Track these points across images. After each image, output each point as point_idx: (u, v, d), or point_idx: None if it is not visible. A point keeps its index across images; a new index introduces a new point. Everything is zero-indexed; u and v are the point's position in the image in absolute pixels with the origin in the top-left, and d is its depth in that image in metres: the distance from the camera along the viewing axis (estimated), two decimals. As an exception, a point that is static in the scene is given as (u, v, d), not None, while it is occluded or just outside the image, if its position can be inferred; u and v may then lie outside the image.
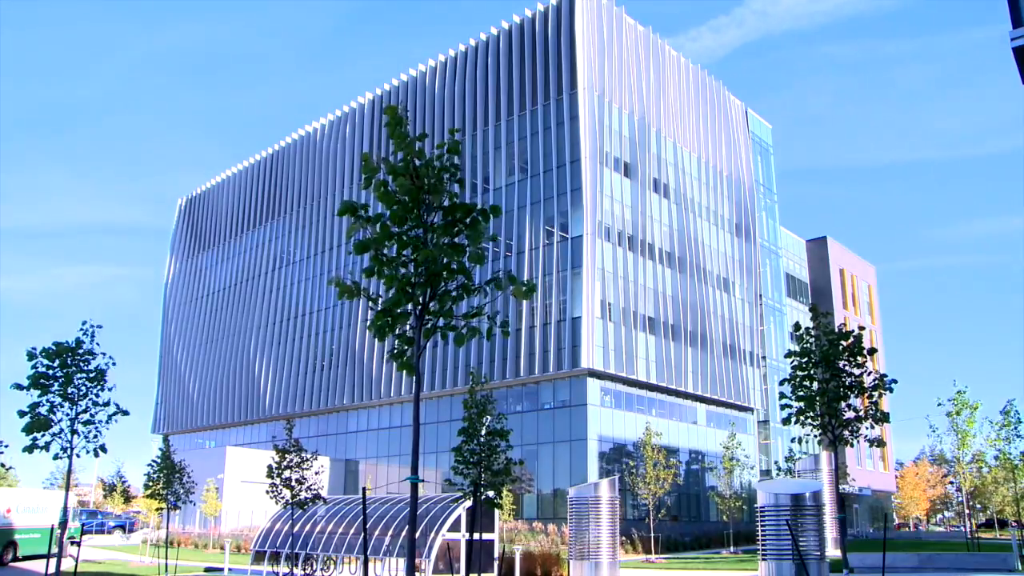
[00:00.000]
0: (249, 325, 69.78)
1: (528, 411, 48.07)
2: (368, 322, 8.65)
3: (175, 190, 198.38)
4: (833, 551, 34.00)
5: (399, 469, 53.88)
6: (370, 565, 24.63)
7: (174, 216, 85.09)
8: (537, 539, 38.00)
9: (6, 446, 16.33)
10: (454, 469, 18.48)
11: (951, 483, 75.90)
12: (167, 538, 33.94)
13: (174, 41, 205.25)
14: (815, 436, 19.36)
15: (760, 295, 62.40)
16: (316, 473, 23.36)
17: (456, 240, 8.52)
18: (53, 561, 17.62)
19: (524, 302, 47.95)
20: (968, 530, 43.31)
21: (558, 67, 49.79)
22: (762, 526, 17.57)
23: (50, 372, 15.84)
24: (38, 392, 15.63)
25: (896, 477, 79.51)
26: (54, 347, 16.00)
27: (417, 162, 8.32)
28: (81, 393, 16.14)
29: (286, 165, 70.14)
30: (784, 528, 16.92)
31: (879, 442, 18.49)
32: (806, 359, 18.54)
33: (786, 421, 19.55)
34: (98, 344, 16.64)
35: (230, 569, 30.09)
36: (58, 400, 15.85)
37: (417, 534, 20.72)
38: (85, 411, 16.16)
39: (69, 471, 16.73)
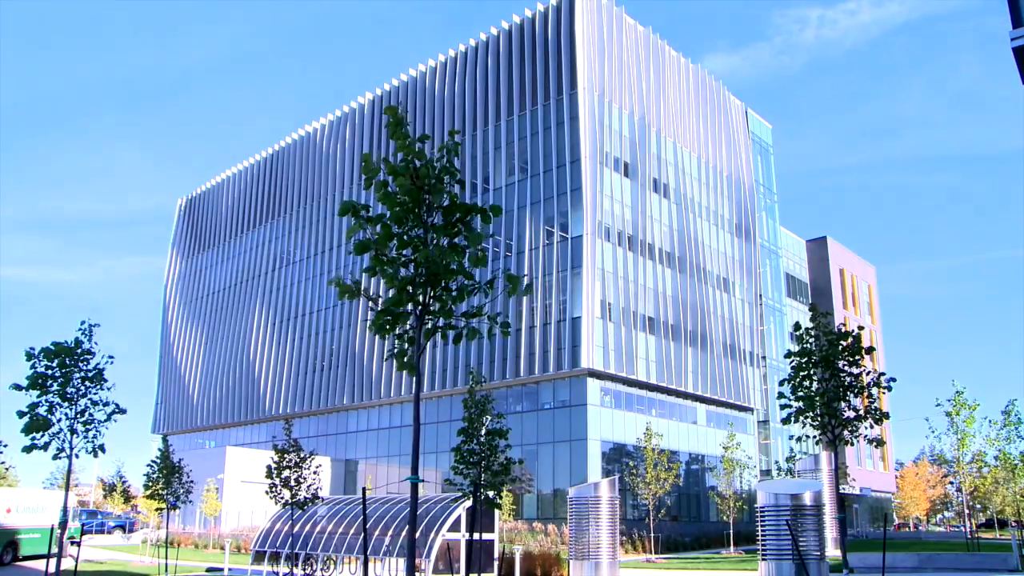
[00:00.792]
0: (249, 325, 69.78)
1: (528, 411, 48.06)
2: (368, 322, 8.66)
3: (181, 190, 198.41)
4: (833, 551, 34.01)
5: (399, 469, 53.87)
6: (370, 565, 24.62)
7: (174, 216, 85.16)
8: (537, 539, 37.99)
9: (5, 446, 16.32)
10: (454, 469, 18.47)
11: (951, 483, 75.87)
12: (167, 538, 33.92)
13: (174, 41, 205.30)
14: (815, 436, 19.33)
15: (760, 295, 62.39)
16: (315, 473, 23.34)
17: (456, 241, 8.51)
18: (53, 561, 17.61)
19: (524, 302, 47.95)
20: (968, 530, 43.30)
21: (558, 67, 49.77)
22: (762, 526, 17.55)
23: (49, 372, 15.81)
24: (37, 392, 15.61)
25: (896, 477, 79.49)
26: (53, 347, 15.97)
27: (417, 163, 8.32)
28: (80, 393, 16.12)
29: (286, 165, 70.15)
30: (784, 528, 16.90)
31: (879, 441, 18.47)
32: (806, 359, 18.52)
33: (786, 421, 19.54)
34: (96, 343, 16.61)
35: (230, 569, 30.07)
36: (57, 400, 15.82)
37: (417, 534, 20.70)
38: (84, 411, 16.14)
39: (69, 471, 16.71)
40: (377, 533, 24.94)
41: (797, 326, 19.68)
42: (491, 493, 18.78)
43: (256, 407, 66.36)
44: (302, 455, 22.99)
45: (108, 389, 16.58)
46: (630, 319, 48.19)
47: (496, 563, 24.62)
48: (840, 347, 18.25)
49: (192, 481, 29.41)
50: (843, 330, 18.77)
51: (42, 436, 15.45)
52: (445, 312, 8.57)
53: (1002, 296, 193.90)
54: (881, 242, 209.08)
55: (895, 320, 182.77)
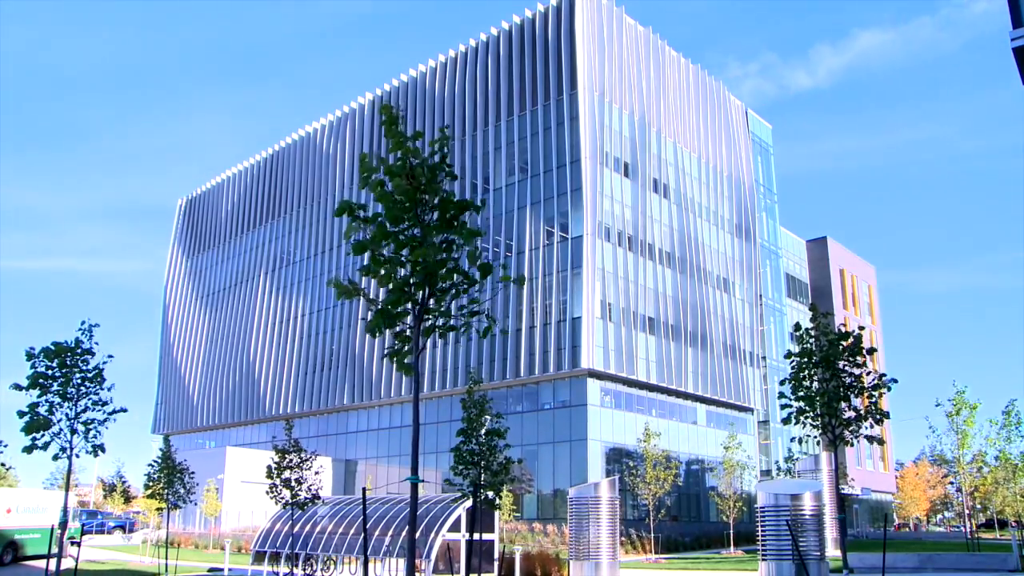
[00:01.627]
0: (249, 325, 69.78)
1: (528, 411, 48.05)
2: (367, 324, 8.67)
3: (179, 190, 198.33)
4: (833, 551, 34.01)
5: (399, 469, 53.87)
6: (370, 565, 24.62)
7: (174, 216, 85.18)
8: (537, 539, 37.99)
9: (5, 446, 16.33)
10: (453, 469, 18.47)
11: (951, 483, 75.85)
12: (167, 538, 33.92)
13: (174, 40, 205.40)
14: (815, 436, 19.33)
15: (760, 295, 62.39)
16: (316, 473, 23.33)
17: (451, 238, 8.53)
18: (53, 561, 17.61)
19: (524, 302, 47.95)
20: (968, 530, 43.29)
21: (558, 67, 49.78)
22: (762, 526, 17.56)
23: (49, 372, 15.82)
24: (37, 392, 15.62)
25: (896, 477, 79.47)
26: (53, 347, 15.99)
27: (413, 161, 8.33)
28: (80, 393, 16.13)
29: (286, 165, 70.16)
30: (784, 528, 16.91)
31: (879, 440, 18.47)
32: (806, 359, 18.53)
33: (786, 421, 19.55)
34: (96, 343, 16.63)
35: (230, 569, 30.07)
36: (57, 400, 15.84)
37: (417, 534, 20.70)
38: (84, 410, 16.15)
39: (69, 471, 16.72)
40: (377, 533, 24.93)
41: (797, 326, 19.68)
42: (491, 493, 18.79)
43: (256, 407, 66.36)
44: (303, 455, 22.98)
45: (108, 389, 16.61)
46: (630, 319, 48.19)
47: (496, 563, 24.62)
48: (840, 347, 18.25)
49: (194, 482, 29.44)
50: (843, 330, 18.77)
51: (42, 436, 15.47)
52: (443, 311, 8.58)
53: (1002, 296, 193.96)
54: (881, 242, 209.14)
55: (895, 320, 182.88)
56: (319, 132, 67.16)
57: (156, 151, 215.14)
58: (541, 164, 49.78)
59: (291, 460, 22.80)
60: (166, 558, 30.18)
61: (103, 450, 16.24)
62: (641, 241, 50.51)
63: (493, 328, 8.66)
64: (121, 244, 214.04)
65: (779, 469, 51.15)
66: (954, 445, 34.69)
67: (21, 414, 15.33)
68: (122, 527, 58.44)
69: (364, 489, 13.70)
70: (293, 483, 22.64)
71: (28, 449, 15.23)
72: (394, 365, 9.21)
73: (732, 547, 42.10)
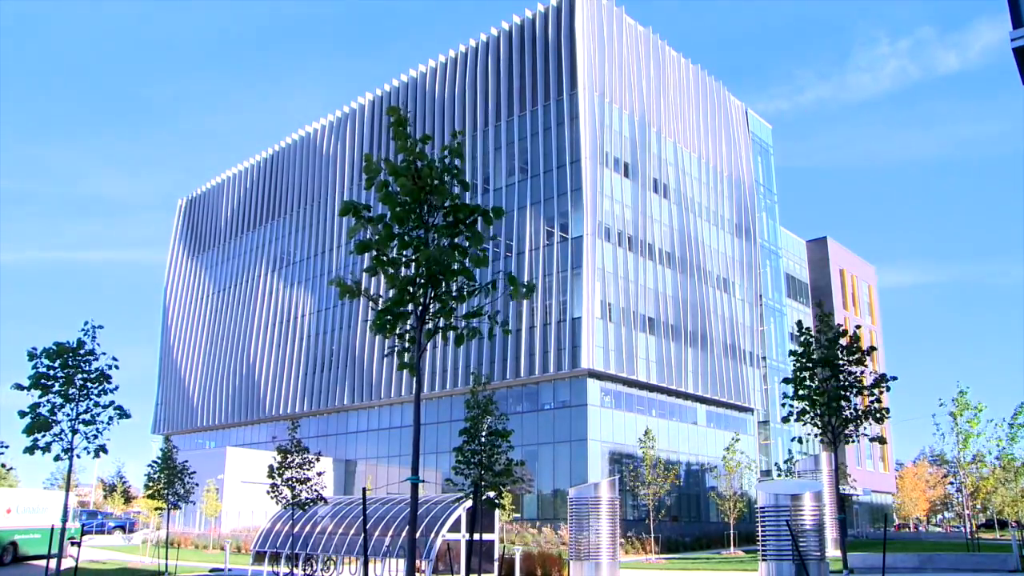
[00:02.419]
0: (249, 326, 69.79)
1: (528, 411, 48.06)
2: (369, 322, 8.70)
3: (180, 189, 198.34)
4: (833, 551, 34.01)
5: (399, 469, 53.88)
6: (370, 565, 24.63)
7: (174, 216, 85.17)
8: (537, 539, 38.00)
9: (6, 446, 16.34)
10: (455, 469, 18.47)
11: (951, 483, 75.86)
12: (167, 538, 33.92)
13: (173, 39, 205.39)
14: (815, 436, 19.37)
15: (760, 295, 62.40)
16: (319, 474, 23.32)
17: (457, 241, 8.53)
18: (53, 561, 17.61)
19: (524, 302, 47.95)
20: (968, 531, 43.30)
21: (558, 67, 49.80)
22: (762, 526, 17.57)
23: (51, 373, 15.82)
24: (39, 392, 15.62)
25: (896, 478, 79.47)
26: (55, 347, 15.98)
27: (419, 163, 8.34)
28: (82, 394, 16.12)
29: (286, 166, 70.18)
30: (784, 528, 16.92)
31: (880, 439, 18.50)
32: (807, 359, 18.57)
33: (786, 420, 19.57)
34: (99, 344, 16.62)
35: (230, 569, 30.10)
36: (59, 401, 15.83)
37: (417, 534, 20.71)
38: (86, 411, 16.14)
39: (69, 472, 16.71)
40: (377, 533, 24.94)
41: (800, 324, 19.72)
42: (491, 494, 18.78)
43: (256, 407, 66.37)
44: (306, 456, 22.96)
45: (110, 391, 16.58)
46: (630, 319, 48.20)
47: (496, 564, 24.63)
48: (839, 346, 18.30)
49: (194, 482, 29.43)
50: (843, 329, 18.84)
51: (43, 437, 15.46)
52: (446, 312, 8.59)
53: (1003, 296, 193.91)
54: (881, 242, 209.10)
55: (895, 320, 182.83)
56: (319, 132, 67.17)
57: (156, 151, 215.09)
58: (541, 164, 49.79)
59: (293, 460, 22.78)
60: (166, 558, 30.17)
61: (105, 451, 16.24)
62: (641, 241, 50.52)
63: (495, 329, 8.67)
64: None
65: (779, 469, 51.16)
66: (955, 445, 34.69)
67: (22, 414, 15.32)
68: (122, 527, 58.47)
69: (364, 489, 13.71)
70: (295, 483, 22.63)
71: (29, 450, 15.22)
72: (395, 365, 9.24)
73: (732, 547, 42.12)
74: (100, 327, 16.70)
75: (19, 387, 15.57)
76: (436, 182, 8.36)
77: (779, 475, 49.96)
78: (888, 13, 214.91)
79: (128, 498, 67.43)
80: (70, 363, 15.98)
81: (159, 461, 28.39)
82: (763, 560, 17.51)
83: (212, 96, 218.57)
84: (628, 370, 47.14)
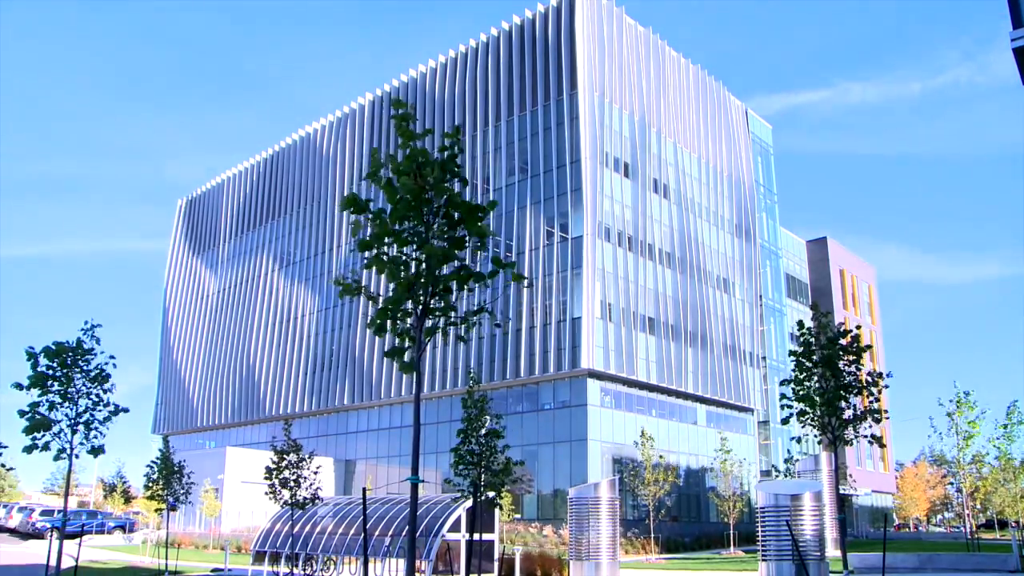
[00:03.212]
0: (249, 325, 69.78)
1: (528, 411, 48.04)
2: (368, 321, 8.69)
3: (179, 189, 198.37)
4: (833, 551, 33.99)
5: (399, 469, 53.86)
6: (370, 566, 24.62)
7: (174, 216, 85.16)
8: (537, 539, 37.98)
9: (5, 446, 16.33)
10: (454, 469, 18.47)
11: (951, 483, 75.86)
12: (167, 538, 33.91)
13: (174, 38, 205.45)
14: (815, 436, 19.36)
15: (760, 295, 62.38)
16: (315, 473, 23.34)
17: (457, 235, 8.55)
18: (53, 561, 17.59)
19: (524, 303, 47.95)
20: (968, 531, 43.28)
21: (558, 67, 49.78)
22: (762, 526, 17.56)
23: (50, 372, 15.80)
24: (38, 392, 15.60)
25: (896, 478, 79.43)
26: (54, 346, 15.97)
27: (421, 160, 8.36)
28: (81, 393, 16.11)
29: (286, 166, 70.16)
30: (784, 528, 16.91)
31: (878, 440, 18.47)
32: (806, 359, 18.55)
33: (786, 421, 19.56)
34: (98, 343, 16.62)
35: (230, 569, 30.09)
36: (58, 400, 15.82)
37: (417, 534, 20.70)
38: (85, 411, 16.14)
39: (69, 471, 16.70)
40: (377, 533, 24.93)
41: (800, 324, 19.70)
42: (491, 494, 18.79)
43: (256, 407, 66.35)
44: (301, 455, 22.97)
45: (109, 391, 16.58)
46: (630, 319, 48.17)
47: (496, 564, 24.62)
48: (838, 345, 18.28)
49: (193, 483, 29.42)
50: (842, 329, 18.82)
51: (43, 436, 15.45)
52: (445, 309, 8.59)
53: (1003, 296, 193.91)
54: (881, 242, 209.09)
55: (895, 320, 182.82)
56: (319, 132, 67.16)
57: (154, 149, 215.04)
58: (541, 164, 49.77)
59: (289, 460, 22.80)
60: (166, 558, 30.15)
61: (103, 451, 16.23)
62: (641, 241, 50.50)
63: (495, 329, 8.69)
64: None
65: (779, 470, 51.15)
66: (956, 445, 34.66)
67: (22, 414, 15.31)
68: (122, 527, 58.42)
69: (364, 489, 13.70)
70: (292, 483, 22.64)
71: (28, 449, 15.21)
72: (395, 365, 9.23)
73: (732, 547, 42.10)
74: (99, 326, 16.71)
75: (19, 386, 15.56)
76: (436, 180, 8.37)
77: (779, 475, 49.94)
78: (887, 13, 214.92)
79: (128, 498, 67.35)
80: (69, 362, 15.98)
81: (158, 462, 28.38)
82: (763, 560, 17.50)
83: (213, 95, 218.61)
84: (628, 370, 47.12)
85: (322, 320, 62.40)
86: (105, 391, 16.49)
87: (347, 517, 27.26)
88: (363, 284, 8.84)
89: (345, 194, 61.63)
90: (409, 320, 8.57)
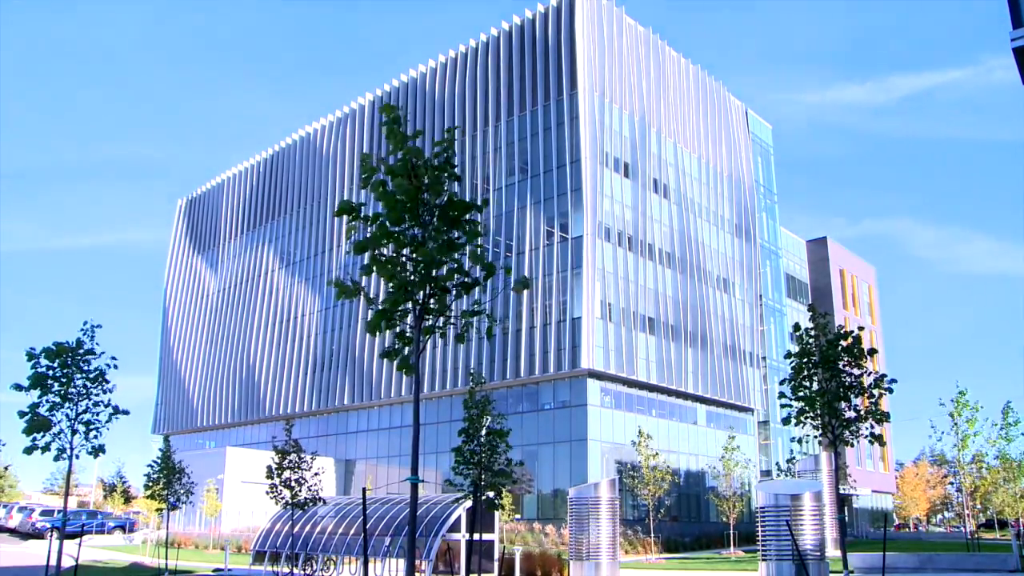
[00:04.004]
0: (249, 325, 69.79)
1: (528, 411, 48.05)
2: (367, 324, 8.68)
3: (179, 191, 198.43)
4: (833, 551, 34.00)
5: (399, 469, 53.87)
6: (370, 566, 24.64)
7: (174, 217, 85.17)
8: (537, 539, 38.00)
9: (3, 444, 16.34)
10: (454, 469, 18.47)
11: (951, 483, 75.91)
12: (167, 538, 33.92)
13: (173, 37, 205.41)
14: (815, 436, 19.33)
15: (760, 295, 62.39)
16: (316, 474, 23.34)
17: (453, 237, 8.54)
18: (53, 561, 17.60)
19: (524, 303, 47.95)
20: (968, 531, 43.29)
21: (558, 67, 49.79)
22: (762, 526, 17.57)
23: (50, 373, 15.81)
24: (38, 392, 15.61)
25: (896, 478, 79.46)
26: (54, 347, 15.97)
27: (415, 161, 8.34)
28: (81, 394, 16.12)
29: (286, 166, 70.17)
30: (784, 528, 16.92)
31: (878, 439, 18.44)
32: (805, 359, 18.51)
33: (786, 421, 19.53)
34: (98, 344, 16.62)
35: (231, 569, 30.10)
36: (58, 400, 15.82)
37: (417, 535, 20.71)
38: (85, 411, 16.14)
39: (69, 472, 16.70)
40: (377, 533, 24.95)
41: (797, 327, 19.66)
42: (491, 494, 18.78)
43: (256, 407, 66.37)
44: (302, 456, 22.98)
45: (108, 391, 16.58)
46: (630, 319, 48.18)
47: (496, 564, 24.63)
48: (840, 347, 18.22)
49: (193, 483, 29.42)
50: (842, 330, 18.76)
51: (43, 436, 15.45)
52: (442, 309, 8.59)
53: (1003, 296, 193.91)
54: (881, 242, 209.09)
55: (895, 320, 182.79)
56: (319, 132, 67.18)
57: (157, 152, 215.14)
58: (541, 164, 49.78)
59: (291, 460, 22.81)
60: (166, 558, 30.17)
61: (103, 451, 16.24)
62: (641, 241, 50.51)
63: (494, 328, 8.70)
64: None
65: (779, 469, 51.17)
66: (956, 445, 34.68)
67: (22, 414, 15.32)
68: (122, 527, 58.44)
69: (364, 489, 13.70)
70: (293, 483, 22.65)
71: (28, 450, 15.22)
72: (394, 365, 9.22)
73: (732, 547, 42.12)
74: (98, 326, 16.71)
75: (18, 387, 15.57)
76: (431, 180, 8.36)
77: (779, 475, 49.96)
78: (888, 12, 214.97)
79: (128, 498, 67.41)
80: (69, 363, 15.98)
81: (158, 462, 28.39)
82: (763, 560, 17.51)
83: (212, 96, 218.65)
84: (628, 370, 47.13)
85: (322, 320, 62.41)
86: (105, 392, 16.49)
87: (347, 517, 27.28)
88: (361, 286, 8.80)
89: (345, 194, 62.01)
90: (408, 320, 8.57)
